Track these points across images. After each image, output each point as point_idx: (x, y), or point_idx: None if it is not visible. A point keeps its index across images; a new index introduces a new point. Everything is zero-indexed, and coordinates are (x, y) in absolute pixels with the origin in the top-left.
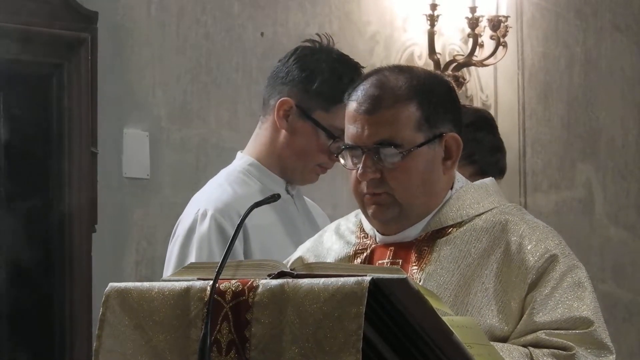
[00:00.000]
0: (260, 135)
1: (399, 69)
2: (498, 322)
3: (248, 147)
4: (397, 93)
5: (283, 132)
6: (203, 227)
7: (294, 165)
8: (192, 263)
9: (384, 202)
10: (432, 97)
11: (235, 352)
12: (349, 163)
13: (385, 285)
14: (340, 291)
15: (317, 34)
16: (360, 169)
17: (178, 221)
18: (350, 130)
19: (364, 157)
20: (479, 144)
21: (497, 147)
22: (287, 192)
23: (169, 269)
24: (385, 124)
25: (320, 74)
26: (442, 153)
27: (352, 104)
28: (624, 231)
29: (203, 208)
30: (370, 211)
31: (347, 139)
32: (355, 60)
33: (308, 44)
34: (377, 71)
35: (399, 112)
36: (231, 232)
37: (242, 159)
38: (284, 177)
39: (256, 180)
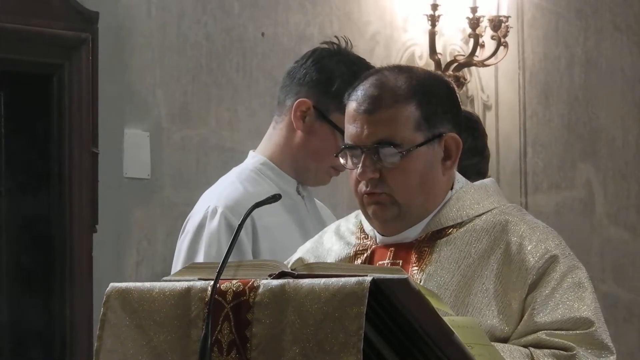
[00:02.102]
0: (274, 135)
1: (398, 69)
2: (498, 322)
3: (261, 146)
4: (397, 93)
5: (299, 133)
6: (213, 224)
7: (308, 166)
8: (193, 263)
9: (383, 202)
10: (432, 97)
11: (236, 352)
12: (349, 163)
13: (386, 286)
14: (341, 291)
15: (336, 36)
16: (359, 168)
17: (188, 217)
18: (350, 129)
19: (363, 156)
20: None
21: (477, 151)
22: (298, 192)
23: (177, 264)
24: (385, 124)
25: (340, 76)
26: (442, 153)
27: (352, 104)
28: (624, 231)
29: (213, 205)
30: (370, 211)
31: (347, 139)
32: None
33: (326, 46)
34: (377, 71)
35: (399, 112)
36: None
37: (255, 158)
38: (297, 177)
39: (268, 180)
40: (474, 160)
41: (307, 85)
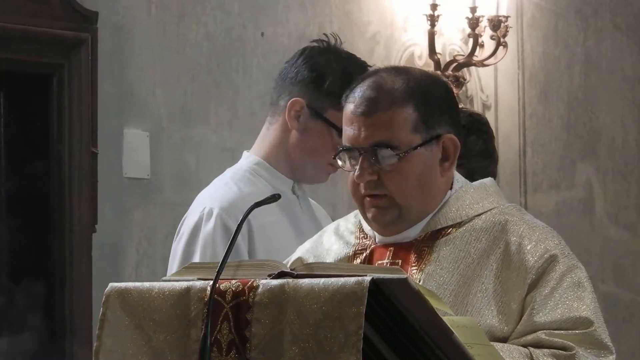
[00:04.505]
0: (268, 136)
1: (395, 70)
2: (498, 322)
3: (255, 147)
4: (394, 95)
5: (294, 133)
6: (208, 226)
7: (305, 164)
8: (192, 263)
9: (383, 204)
10: (429, 99)
11: (236, 352)
12: (347, 165)
13: (386, 285)
14: (341, 291)
15: (325, 34)
16: (357, 170)
17: (183, 219)
18: (348, 132)
19: (361, 159)
20: (467, 148)
21: (487, 153)
22: (293, 192)
23: (173, 266)
24: (382, 126)
25: (331, 73)
26: (440, 154)
27: (349, 106)
28: (624, 231)
29: (209, 206)
30: (369, 214)
31: (345, 141)
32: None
33: (316, 44)
34: (374, 72)
35: (396, 114)
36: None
37: (249, 158)
38: (293, 176)
39: (262, 180)
40: (484, 163)
41: (299, 84)
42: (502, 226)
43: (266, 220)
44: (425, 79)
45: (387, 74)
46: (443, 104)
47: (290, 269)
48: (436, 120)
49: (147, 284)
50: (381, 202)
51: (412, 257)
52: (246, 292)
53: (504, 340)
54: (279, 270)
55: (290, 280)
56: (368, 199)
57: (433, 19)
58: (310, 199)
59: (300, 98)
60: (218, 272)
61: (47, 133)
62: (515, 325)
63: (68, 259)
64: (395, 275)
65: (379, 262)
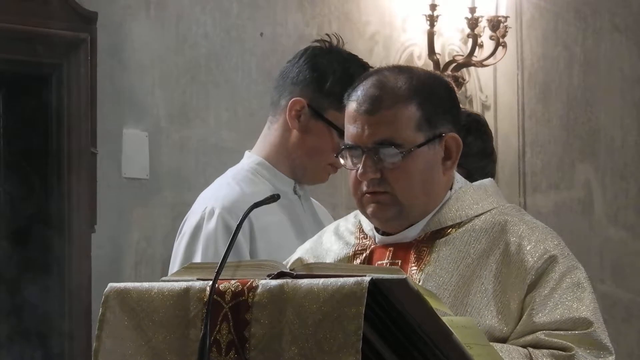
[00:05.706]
0: (269, 135)
1: (398, 69)
2: (497, 322)
3: (256, 147)
4: (398, 93)
5: (295, 132)
6: (210, 226)
7: (305, 164)
8: (191, 263)
9: (384, 201)
10: (433, 98)
11: (235, 352)
12: (349, 163)
13: (385, 286)
14: (340, 291)
15: (327, 34)
16: (360, 168)
17: (185, 218)
18: (350, 130)
19: (364, 157)
20: (466, 148)
21: (486, 153)
22: (295, 192)
23: (174, 266)
24: (386, 124)
25: (333, 73)
26: (442, 153)
27: (352, 104)
28: (623, 231)
29: (210, 206)
30: (369, 210)
31: (347, 139)
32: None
33: (317, 44)
34: (377, 71)
35: (400, 113)
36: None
37: (250, 158)
38: (294, 176)
39: (264, 180)
40: (483, 163)
41: (300, 84)
42: (502, 227)
43: (268, 220)
44: (428, 77)
45: (390, 73)
46: (446, 102)
47: (290, 269)
48: (439, 119)
49: (146, 284)
50: (382, 198)
51: (412, 257)
52: (245, 292)
53: (503, 340)
54: (278, 271)
55: (289, 280)
56: (368, 195)
57: (432, 19)
58: (313, 199)
59: (302, 98)
60: (217, 272)
61: (46, 133)
62: (514, 326)
63: (67, 259)
64: (395, 276)
65: (379, 262)
